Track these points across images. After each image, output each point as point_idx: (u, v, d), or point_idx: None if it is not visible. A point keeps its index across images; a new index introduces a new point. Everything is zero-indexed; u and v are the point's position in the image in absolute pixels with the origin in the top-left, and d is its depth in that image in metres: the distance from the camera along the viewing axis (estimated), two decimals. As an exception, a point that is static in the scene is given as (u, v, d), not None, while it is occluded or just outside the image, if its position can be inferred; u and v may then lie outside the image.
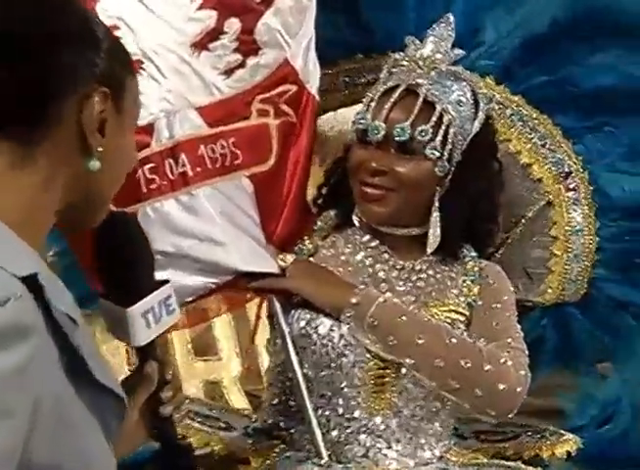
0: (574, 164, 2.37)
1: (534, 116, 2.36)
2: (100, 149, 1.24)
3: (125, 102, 1.29)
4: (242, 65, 2.02)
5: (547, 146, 2.37)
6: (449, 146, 2.01)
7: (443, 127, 2.00)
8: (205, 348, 3.61)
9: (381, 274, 2.12)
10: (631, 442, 2.43)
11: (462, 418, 2.23)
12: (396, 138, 1.99)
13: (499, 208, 2.21)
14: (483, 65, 2.32)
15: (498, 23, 2.34)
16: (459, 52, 2.12)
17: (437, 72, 2.05)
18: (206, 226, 2.02)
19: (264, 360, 2.74)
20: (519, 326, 2.13)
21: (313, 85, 2.13)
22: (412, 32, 2.15)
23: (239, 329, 3.10)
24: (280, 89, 2.08)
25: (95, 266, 1.49)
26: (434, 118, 2.00)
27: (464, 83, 2.08)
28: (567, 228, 2.38)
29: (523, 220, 2.39)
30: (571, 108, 2.36)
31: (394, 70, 2.10)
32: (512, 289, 2.19)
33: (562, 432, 2.35)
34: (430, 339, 1.99)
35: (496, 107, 2.32)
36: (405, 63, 2.08)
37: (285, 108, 2.09)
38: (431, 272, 2.14)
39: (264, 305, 2.23)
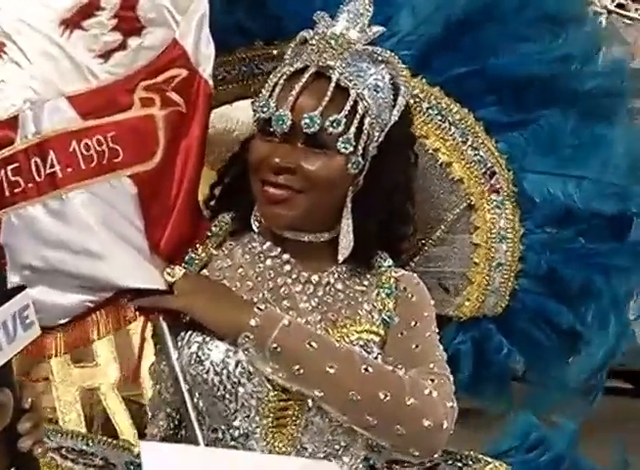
0: (498, 163, 2.15)
1: (455, 110, 2.12)
2: None
3: None
4: (122, 46, 1.78)
5: (469, 143, 2.14)
6: (364, 138, 1.80)
7: (358, 117, 1.78)
8: (81, 354, 3.48)
9: (283, 289, 1.87)
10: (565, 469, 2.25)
11: (373, 446, 1.98)
12: (305, 130, 1.75)
13: (414, 205, 2.00)
14: (399, 56, 2.03)
15: (416, 7, 2.09)
16: (378, 29, 1.88)
17: (352, 53, 1.81)
18: (81, 236, 1.78)
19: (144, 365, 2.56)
20: (441, 347, 1.91)
21: (206, 69, 1.88)
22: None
23: (117, 334, 2.92)
24: (168, 74, 1.84)
25: None
26: (347, 107, 1.77)
27: (382, 66, 1.85)
28: (489, 234, 2.17)
29: (441, 226, 2.17)
30: (495, 101, 2.13)
31: (302, 49, 1.85)
32: (432, 302, 1.97)
33: (486, 459, 2.16)
34: (342, 368, 1.76)
35: (411, 100, 2.06)
36: (315, 41, 1.83)
37: (173, 96, 1.84)
38: (340, 286, 1.91)
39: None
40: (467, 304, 2.19)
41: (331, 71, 1.78)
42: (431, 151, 2.12)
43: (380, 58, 1.84)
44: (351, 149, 1.78)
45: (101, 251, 1.77)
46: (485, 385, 2.27)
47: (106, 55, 1.76)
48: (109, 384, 3.47)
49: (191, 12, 1.83)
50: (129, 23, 1.76)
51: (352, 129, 1.77)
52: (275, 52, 2.10)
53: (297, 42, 1.86)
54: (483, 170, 2.14)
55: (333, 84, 1.77)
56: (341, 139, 1.77)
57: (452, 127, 2.12)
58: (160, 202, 1.86)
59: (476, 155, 2.13)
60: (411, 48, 2.07)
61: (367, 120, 1.79)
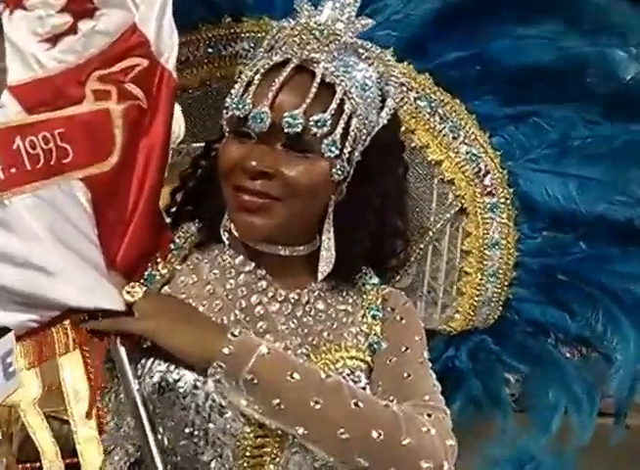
0: (492, 161, 1.95)
1: (445, 100, 1.92)
2: None
3: None
4: (72, 30, 1.54)
5: (460, 139, 1.94)
6: (350, 141, 1.60)
7: (344, 117, 1.58)
8: None
9: (258, 309, 1.66)
10: None
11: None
12: (286, 129, 1.54)
13: (406, 220, 1.84)
14: (383, 35, 1.86)
15: None
16: (367, 22, 1.67)
17: (338, 46, 1.61)
18: (26, 247, 1.53)
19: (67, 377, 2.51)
20: (433, 374, 1.71)
21: (170, 59, 1.66)
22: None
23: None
24: (125, 64, 1.61)
25: None
26: (333, 105, 1.57)
27: (369, 62, 1.65)
28: (482, 241, 1.98)
29: (430, 233, 1.98)
30: (491, 91, 1.93)
31: (281, 40, 1.64)
32: (421, 323, 1.78)
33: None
34: (329, 402, 1.53)
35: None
36: (296, 32, 1.62)
37: (132, 88, 1.61)
38: (321, 305, 1.71)
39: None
40: (457, 316, 2.02)
41: (315, 65, 1.58)
42: (418, 148, 1.93)
43: (368, 53, 1.65)
44: (337, 152, 1.58)
45: (49, 264, 1.54)
46: (481, 401, 2.09)
47: (53, 40, 1.53)
48: (29, 400, 3.25)
49: None
50: (80, 4, 1.53)
51: (338, 130, 1.57)
52: (245, 30, 1.90)
53: (275, 33, 1.66)
54: (476, 170, 1.95)
55: (318, 79, 1.57)
56: (325, 141, 1.56)
57: (442, 121, 1.93)
58: (117, 209, 1.64)
59: (468, 152, 1.94)
60: (397, 29, 1.87)
61: (354, 121, 1.59)
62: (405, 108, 1.90)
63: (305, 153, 1.57)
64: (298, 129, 1.54)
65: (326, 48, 1.59)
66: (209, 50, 1.93)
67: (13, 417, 3.34)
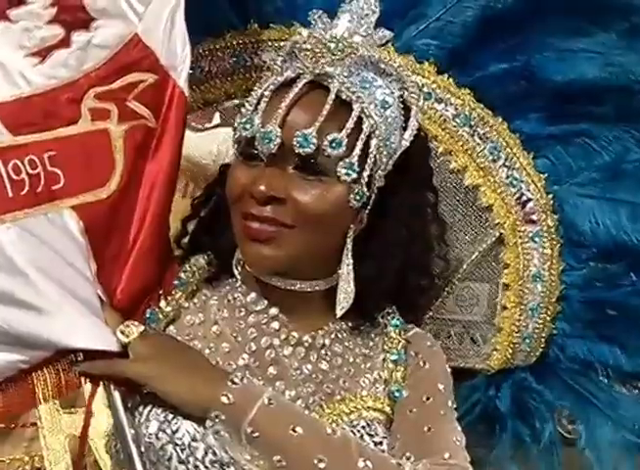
0: (535, 186, 1.80)
1: (486, 119, 1.77)
2: None
3: None
4: (64, 43, 1.43)
5: (500, 161, 1.79)
6: (370, 164, 1.49)
7: (363, 137, 1.48)
8: (72, 399, 3.23)
9: (268, 352, 1.54)
10: None
11: None
12: (297, 150, 1.44)
13: (432, 255, 1.70)
14: (423, 45, 1.75)
15: None
16: (385, 34, 1.57)
17: (355, 60, 1.50)
18: (10, 282, 1.40)
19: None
20: (458, 426, 1.57)
21: (182, 74, 1.53)
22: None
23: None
24: (128, 80, 1.49)
25: None
26: (349, 124, 1.46)
27: (391, 78, 1.54)
28: (522, 273, 1.83)
29: (464, 265, 1.84)
30: (536, 108, 1.79)
31: (294, 55, 1.53)
32: (448, 369, 1.64)
33: None
34: (334, 461, 1.40)
35: (437, 105, 1.76)
36: (309, 46, 1.51)
37: (136, 107, 1.50)
38: (338, 349, 1.59)
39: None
40: (495, 354, 1.89)
41: (329, 81, 1.48)
42: (455, 171, 1.79)
43: (388, 69, 1.53)
44: (354, 176, 1.47)
45: (36, 301, 1.41)
46: (529, 443, 1.95)
47: (42, 54, 1.41)
48: (101, 432, 3.18)
49: (159, 1, 1.49)
50: (73, 14, 1.42)
51: (356, 152, 1.46)
52: (273, 38, 1.76)
53: (288, 48, 1.54)
54: (517, 195, 1.81)
55: (332, 96, 1.46)
56: (341, 163, 1.46)
57: (482, 141, 1.78)
58: (118, 239, 1.51)
59: (508, 176, 1.80)
60: (437, 37, 1.75)
61: (373, 142, 1.49)
62: (444, 126, 1.76)
63: (320, 176, 1.47)
64: (311, 150, 1.43)
65: (341, 62, 1.49)
66: (234, 60, 1.80)
67: (86, 450, 3.32)
